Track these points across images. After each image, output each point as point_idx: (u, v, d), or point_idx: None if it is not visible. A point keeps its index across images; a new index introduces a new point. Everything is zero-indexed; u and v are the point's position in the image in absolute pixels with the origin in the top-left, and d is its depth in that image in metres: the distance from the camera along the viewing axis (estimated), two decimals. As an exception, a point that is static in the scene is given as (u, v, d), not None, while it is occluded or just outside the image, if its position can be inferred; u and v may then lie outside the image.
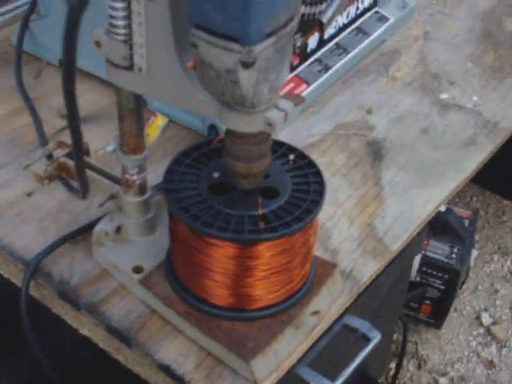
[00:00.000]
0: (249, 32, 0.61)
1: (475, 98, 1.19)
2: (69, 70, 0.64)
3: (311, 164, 0.80)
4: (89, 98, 1.12)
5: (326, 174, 0.79)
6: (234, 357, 0.76)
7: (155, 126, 1.08)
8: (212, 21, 0.61)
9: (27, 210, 0.94)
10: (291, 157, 0.81)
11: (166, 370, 0.78)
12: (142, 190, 0.84)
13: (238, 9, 0.59)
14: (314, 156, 0.81)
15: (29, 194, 0.97)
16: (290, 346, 0.79)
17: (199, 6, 0.61)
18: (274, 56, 0.64)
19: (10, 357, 1.17)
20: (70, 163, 0.90)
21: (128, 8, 0.69)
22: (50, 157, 0.94)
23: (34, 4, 1.19)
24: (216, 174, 0.78)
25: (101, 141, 1.02)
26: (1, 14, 1.26)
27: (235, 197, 0.76)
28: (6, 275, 0.91)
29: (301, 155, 0.81)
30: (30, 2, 1.20)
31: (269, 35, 0.62)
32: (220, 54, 0.63)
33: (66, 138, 1.00)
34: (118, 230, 0.87)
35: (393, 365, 1.79)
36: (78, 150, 0.74)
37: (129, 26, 0.70)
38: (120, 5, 0.69)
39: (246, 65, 0.63)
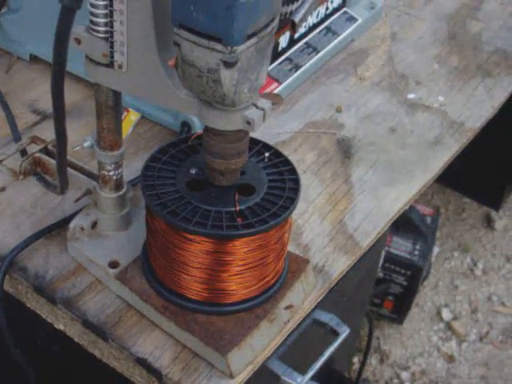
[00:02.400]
0: (231, 33, 0.62)
1: (441, 99, 1.22)
2: (59, 71, 0.64)
3: (286, 162, 0.82)
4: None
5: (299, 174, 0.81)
6: (210, 350, 0.78)
7: (128, 122, 1.08)
8: (195, 21, 0.63)
9: (1, 205, 0.95)
10: (266, 154, 0.83)
11: (142, 363, 0.79)
12: (118, 185, 0.85)
13: (222, 10, 0.61)
14: (285, 153, 0.82)
15: (1, 189, 0.97)
16: (264, 340, 0.81)
17: (183, 7, 0.63)
18: (254, 56, 0.66)
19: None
20: (46, 159, 0.90)
21: (109, 6, 0.70)
22: (24, 152, 0.94)
23: (5, -2, 1.19)
24: (193, 171, 0.79)
25: (73, 136, 1.01)
26: (-29, 8, 1.25)
27: (213, 193, 0.77)
28: (-21, 270, 0.91)
29: (276, 153, 0.83)
30: (1, -5, 1.19)
31: (251, 36, 0.64)
32: (203, 54, 0.64)
33: (39, 132, 1.01)
34: (94, 225, 0.88)
35: (355, 359, 1.82)
36: (62, 150, 0.75)
37: (110, 24, 0.71)
38: (101, 2, 0.70)
39: (228, 64, 0.64)
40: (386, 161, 1.08)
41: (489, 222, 2.23)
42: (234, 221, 0.74)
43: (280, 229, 0.78)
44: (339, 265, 0.92)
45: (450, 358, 1.89)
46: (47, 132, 1.02)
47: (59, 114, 0.70)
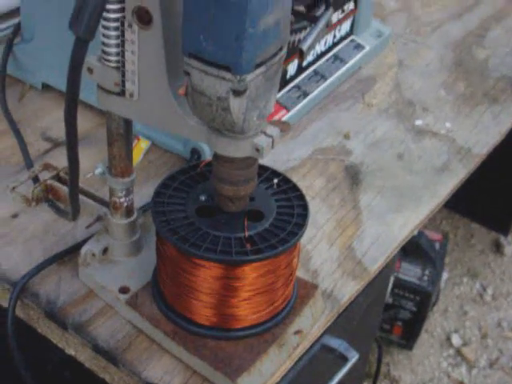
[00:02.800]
0: (240, 62, 0.63)
1: (448, 125, 1.23)
2: (72, 100, 0.66)
3: (295, 188, 0.83)
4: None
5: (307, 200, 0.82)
6: (219, 375, 0.78)
7: (138, 149, 1.10)
8: (205, 50, 0.64)
9: (13, 231, 0.96)
10: (275, 181, 0.84)
11: (152, 388, 0.80)
12: (128, 212, 0.86)
13: (231, 40, 0.62)
14: (293, 180, 0.84)
15: (14, 216, 0.98)
16: (273, 365, 0.81)
17: (193, 36, 0.64)
18: (263, 84, 0.67)
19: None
20: (57, 185, 0.91)
21: (121, 36, 0.71)
22: (36, 179, 0.95)
23: (18, 28, 1.21)
24: (203, 197, 0.80)
25: (85, 163, 1.03)
26: (-16, 38, 1.27)
27: (222, 219, 0.78)
28: (-9, 296, 0.92)
29: (284, 179, 0.84)
30: (14, 25, 1.22)
31: (259, 65, 0.65)
32: (212, 82, 0.66)
33: (51, 159, 1.02)
34: (105, 251, 0.89)
35: (365, 385, 1.82)
36: (74, 176, 0.76)
37: (121, 54, 0.72)
38: (113, 33, 0.72)
39: (237, 93, 0.65)
40: (393, 187, 1.09)
41: (498, 248, 2.23)
42: (244, 246, 0.75)
43: (289, 254, 0.79)
44: (348, 290, 0.93)
45: (460, 385, 1.89)
46: (59, 159, 1.03)
47: (72, 141, 0.71)
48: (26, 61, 1.21)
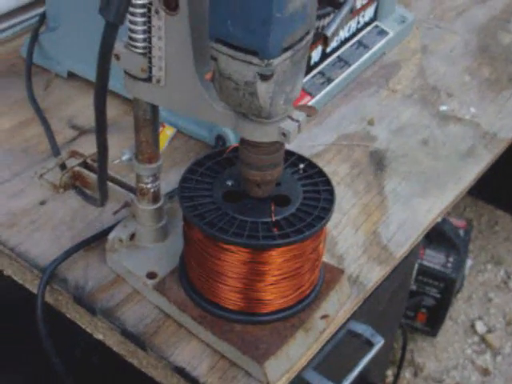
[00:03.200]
0: (268, 46, 0.63)
1: (473, 110, 1.22)
2: (102, 85, 0.66)
3: (321, 173, 0.83)
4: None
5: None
6: (247, 359, 0.79)
7: (163, 136, 1.10)
8: (232, 35, 0.64)
9: (41, 218, 0.97)
10: (301, 166, 0.84)
11: (180, 372, 0.80)
12: (155, 198, 0.87)
13: (258, 24, 0.62)
14: (320, 167, 0.84)
15: (42, 203, 0.99)
16: (300, 349, 0.82)
17: (220, 21, 0.64)
18: (290, 69, 0.67)
19: (10, 361, 1.19)
20: (85, 172, 0.92)
21: (148, 22, 0.72)
22: (63, 166, 0.96)
23: (43, 17, 1.22)
24: (230, 182, 0.80)
25: (111, 150, 1.03)
26: (10, 27, 1.28)
27: (249, 204, 0.78)
28: (20, 282, 0.93)
29: (310, 164, 0.84)
30: (40, 14, 1.23)
31: (286, 49, 0.65)
32: (239, 67, 0.66)
33: (77, 147, 1.03)
34: (132, 236, 0.90)
35: (389, 372, 1.82)
36: (103, 162, 0.77)
37: (148, 40, 0.73)
38: (140, 19, 0.72)
39: (265, 77, 0.65)
40: (418, 172, 1.09)
41: (522, 235, 2.23)
42: (270, 231, 0.76)
43: (315, 239, 0.79)
44: (373, 275, 0.93)
45: (485, 371, 1.88)
46: (85, 146, 1.04)
47: (101, 127, 0.72)
48: (52, 50, 1.22)
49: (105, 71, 0.64)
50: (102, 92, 0.67)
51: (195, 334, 0.83)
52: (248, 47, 0.64)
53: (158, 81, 0.75)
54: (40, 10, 1.24)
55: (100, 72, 0.64)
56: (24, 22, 1.28)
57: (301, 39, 0.67)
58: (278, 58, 0.65)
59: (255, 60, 0.64)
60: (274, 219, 0.77)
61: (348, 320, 0.93)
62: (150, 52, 0.73)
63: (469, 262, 2.09)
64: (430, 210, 1.03)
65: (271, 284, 0.79)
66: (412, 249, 1.00)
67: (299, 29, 0.65)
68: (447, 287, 1.81)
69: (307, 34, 0.67)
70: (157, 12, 0.70)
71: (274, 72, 0.65)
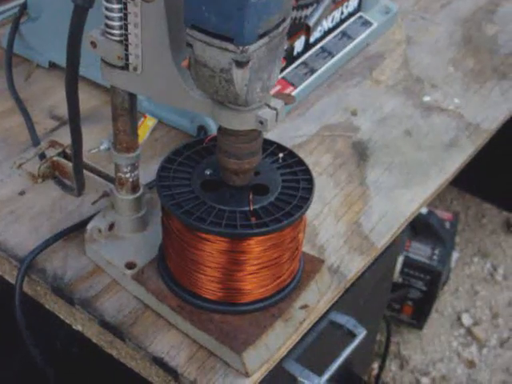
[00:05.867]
0: (243, 32, 0.63)
1: (457, 101, 1.22)
2: (72, 71, 0.66)
3: (300, 162, 0.83)
4: (78, 99, 1.14)
5: (313, 174, 0.82)
6: (225, 349, 0.79)
7: (144, 127, 1.10)
8: (207, 21, 0.64)
9: (20, 208, 0.96)
10: (280, 155, 0.83)
11: (158, 362, 0.80)
12: (134, 187, 0.86)
13: (233, 10, 0.62)
14: (300, 156, 0.83)
15: (21, 193, 0.98)
16: (279, 339, 0.82)
17: (195, 8, 0.64)
18: (266, 56, 0.67)
19: (7, 356, 1.18)
20: (63, 162, 0.91)
21: (124, 9, 0.71)
22: (42, 156, 0.95)
23: (24, 7, 1.21)
24: (208, 172, 0.80)
25: (91, 141, 1.03)
26: (-9, 17, 1.27)
27: (227, 193, 0.78)
28: (-1, 272, 0.93)
29: (290, 154, 0.84)
30: (20, 4, 1.22)
31: (262, 35, 0.65)
32: (215, 54, 0.65)
33: (58, 137, 1.03)
34: (111, 227, 0.89)
35: (375, 365, 1.82)
36: (78, 149, 0.76)
37: (124, 27, 0.72)
38: (116, 6, 0.71)
39: (240, 64, 0.65)
40: (401, 163, 1.09)
41: (509, 227, 2.22)
42: (248, 220, 0.75)
43: (294, 228, 0.79)
44: (354, 265, 0.93)
45: (471, 364, 1.88)
46: (66, 137, 1.02)
47: (74, 113, 0.71)
48: (33, 39, 1.21)
49: (74, 56, 0.64)
50: (72, 77, 0.66)
51: (174, 324, 0.83)
52: (223, 33, 0.64)
53: (135, 68, 0.74)
54: (21, 1, 1.23)
55: (70, 57, 0.64)
56: (4, 12, 1.27)
57: (277, 26, 0.66)
58: (253, 44, 0.64)
59: (230, 46, 0.64)
60: (252, 208, 0.76)
61: (329, 310, 0.92)
62: (126, 39, 0.73)
63: (455, 255, 2.09)
64: (412, 200, 1.03)
65: (250, 273, 0.79)
66: (394, 239, 1.00)
67: (275, 15, 0.65)
68: (433, 280, 1.80)
69: (283, 20, 0.67)
70: (132, -2, 0.70)
71: (250, 59, 0.65)
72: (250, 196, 0.77)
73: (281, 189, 0.79)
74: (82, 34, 0.62)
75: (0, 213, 0.95)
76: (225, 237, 0.75)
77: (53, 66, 1.20)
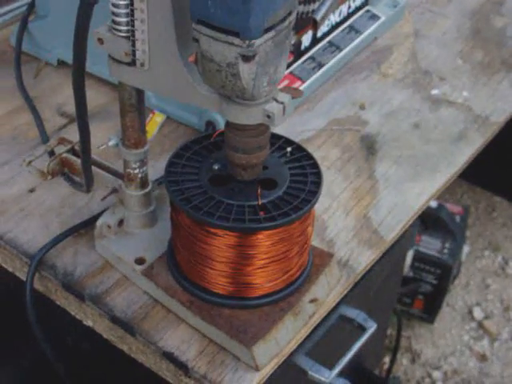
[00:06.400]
0: (249, 26, 0.63)
1: (465, 94, 1.22)
2: (79, 67, 0.66)
3: (308, 156, 0.83)
4: (87, 96, 1.14)
5: (321, 168, 0.82)
6: (235, 343, 0.79)
7: (153, 123, 1.10)
8: (213, 16, 0.64)
9: (30, 205, 0.97)
10: (289, 149, 0.83)
11: (169, 357, 0.80)
12: (143, 183, 0.87)
13: (238, 4, 0.62)
14: (309, 150, 0.83)
15: (31, 190, 0.99)
16: (289, 333, 0.82)
17: (201, 2, 0.64)
18: (272, 50, 0.67)
19: (11, 351, 1.19)
20: (72, 159, 0.92)
21: (130, 5, 0.71)
22: (51, 153, 0.95)
23: (32, 5, 1.22)
24: (216, 166, 0.80)
25: (100, 137, 1.04)
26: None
27: (235, 188, 0.78)
28: (10, 269, 0.93)
29: (298, 148, 0.84)
30: (29, 3, 1.22)
31: (268, 29, 0.65)
32: (221, 48, 0.65)
33: (67, 135, 1.03)
34: (120, 223, 0.89)
35: (387, 359, 1.82)
36: (86, 145, 0.77)
37: (131, 23, 0.72)
38: (122, 2, 0.71)
39: (246, 58, 0.65)
40: (409, 156, 1.09)
41: (520, 220, 2.22)
42: (257, 214, 0.75)
43: (303, 222, 0.79)
44: (364, 259, 0.93)
45: (482, 357, 1.88)
46: (74, 134, 1.02)
47: (81, 109, 0.71)
48: (41, 38, 1.21)
49: (81, 51, 0.64)
50: (79, 73, 0.66)
51: (184, 319, 0.83)
52: (229, 28, 0.64)
53: (142, 64, 0.74)
54: (29, -1, 1.24)
55: (76, 52, 0.64)
56: (13, 10, 1.28)
57: (283, 20, 0.66)
58: (259, 38, 0.64)
59: (236, 41, 0.64)
60: (260, 202, 0.76)
61: (339, 304, 0.92)
62: (133, 35, 0.73)
63: (466, 249, 2.08)
64: (420, 193, 1.03)
65: (259, 268, 0.79)
66: (403, 232, 1.00)
67: (281, 9, 0.65)
68: (444, 273, 1.80)
69: (289, 14, 0.67)
70: (139, -6, 0.70)
71: (256, 53, 0.65)
72: (259, 190, 0.77)
73: (289, 183, 0.79)
74: (88, 29, 0.63)
75: (10, 210, 0.96)
76: (233, 231, 0.75)
77: (61, 63, 1.21)
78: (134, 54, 0.74)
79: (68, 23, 1.13)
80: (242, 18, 0.63)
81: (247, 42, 0.64)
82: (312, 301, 0.84)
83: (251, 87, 0.67)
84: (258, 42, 0.64)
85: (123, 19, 0.73)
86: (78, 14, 0.61)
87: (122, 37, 0.73)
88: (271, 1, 0.63)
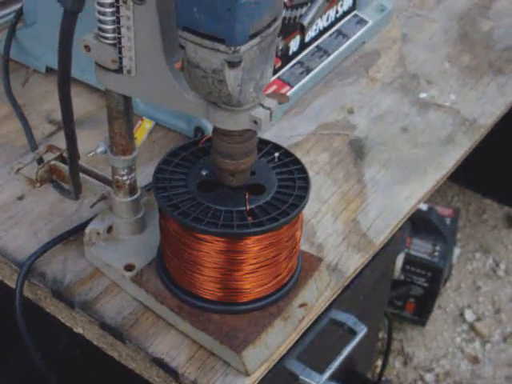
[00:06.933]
0: (234, 33, 0.63)
1: (453, 97, 1.22)
2: (64, 74, 0.66)
3: (296, 161, 0.83)
4: (75, 103, 1.13)
5: (310, 173, 0.82)
6: (225, 349, 0.79)
7: (142, 130, 1.10)
8: (199, 23, 0.64)
9: (19, 213, 0.97)
10: (276, 154, 0.84)
11: (159, 363, 0.80)
12: (131, 190, 0.87)
13: (223, 11, 0.62)
14: (297, 155, 0.83)
15: (20, 198, 0.99)
16: (279, 338, 0.82)
17: (187, 9, 0.64)
18: (258, 56, 0.67)
19: (8, 360, 1.19)
20: (61, 166, 0.92)
21: (116, 12, 0.71)
22: (40, 160, 0.95)
23: (20, 13, 1.22)
24: (204, 172, 0.80)
25: (89, 144, 1.03)
26: (-13, 23, 1.28)
27: (223, 193, 0.78)
28: (-1, 277, 0.93)
29: (285, 153, 0.84)
30: (17, 10, 1.22)
31: (253, 36, 0.65)
32: (207, 55, 0.66)
33: (55, 142, 1.03)
34: (109, 229, 0.89)
35: (379, 362, 1.82)
36: (73, 152, 0.77)
37: (117, 30, 0.72)
38: (108, 9, 0.72)
39: (232, 64, 0.65)
40: (398, 159, 1.09)
41: (510, 223, 2.22)
42: (245, 220, 0.76)
43: (291, 226, 0.79)
44: (353, 263, 0.93)
45: (474, 359, 1.89)
46: (63, 141, 1.03)
47: (67, 116, 0.71)
48: (29, 45, 1.21)
49: (66, 59, 0.64)
50: (65, 80, 0.67)
51: (173, 325, 0.83)
52: (215, 34, 0.64)
53: (129, 71, 0.75)
54: (17, 7, 1.23)
55: (61, 60, 0.64)
56: (1, 18, 1.28)
57: (268, 26, 0.66)
58: (245, 44, 0.64)
59: (222, 47, 0.64)
60: (248, 208, 0.77)
61: (329, 308, 0.93)
62: (119, 42, 0.73)
63: (457, 251, 2.09)
64: (409, 196, 1.03)
65: (248, 273, 0.79)
66: (392, 236, 1.00)
67: (266, 15, 0.65)
68: (435, 276, 1.80)
69: (275, 20, 0.67)
70: (125, 2, 0.70)
71: (242, 59, 0.65)
72: (247, 196, 0.78)
73: (277, 188, 0.80)
74: (73, 37, 0.63)
75: (-1, 218, 0.96)
76: (222, 237, 0.76)
77: (50, 70, 1.20)
78: (120, 61, 0.74)
79: (56, 31, 1.13)
80: (227, 25, 0.63)
81: (233, 48, 0.64)
82: (301, 305, 0.85)
83: (237, 93, 0.68)
84: (243, 48, 0.64)
85: (109, 26, 0.73)
86: (61, 23, 0.62)
87: (109, 44, 0.74)
88: (256, 7, 0.63)
